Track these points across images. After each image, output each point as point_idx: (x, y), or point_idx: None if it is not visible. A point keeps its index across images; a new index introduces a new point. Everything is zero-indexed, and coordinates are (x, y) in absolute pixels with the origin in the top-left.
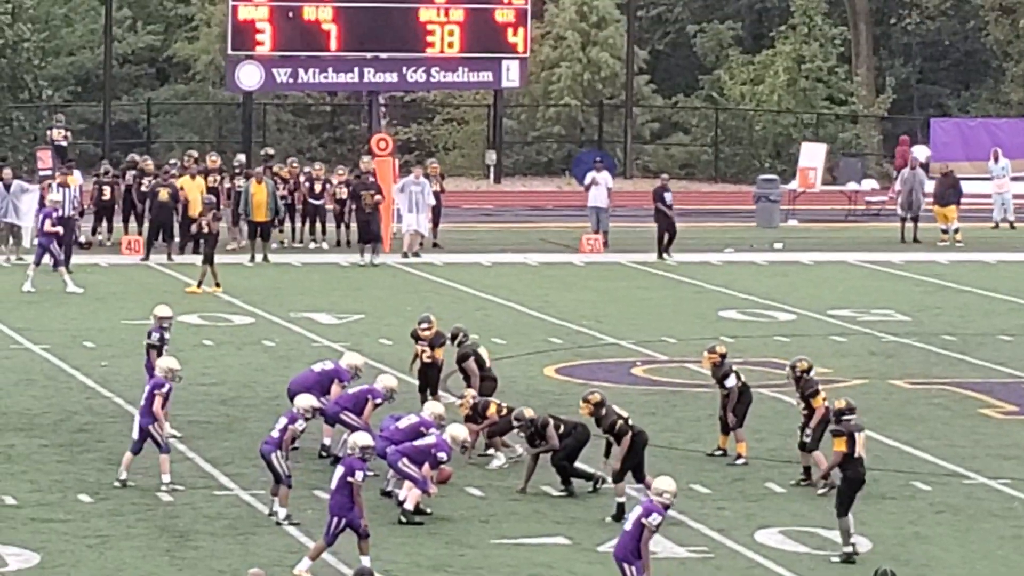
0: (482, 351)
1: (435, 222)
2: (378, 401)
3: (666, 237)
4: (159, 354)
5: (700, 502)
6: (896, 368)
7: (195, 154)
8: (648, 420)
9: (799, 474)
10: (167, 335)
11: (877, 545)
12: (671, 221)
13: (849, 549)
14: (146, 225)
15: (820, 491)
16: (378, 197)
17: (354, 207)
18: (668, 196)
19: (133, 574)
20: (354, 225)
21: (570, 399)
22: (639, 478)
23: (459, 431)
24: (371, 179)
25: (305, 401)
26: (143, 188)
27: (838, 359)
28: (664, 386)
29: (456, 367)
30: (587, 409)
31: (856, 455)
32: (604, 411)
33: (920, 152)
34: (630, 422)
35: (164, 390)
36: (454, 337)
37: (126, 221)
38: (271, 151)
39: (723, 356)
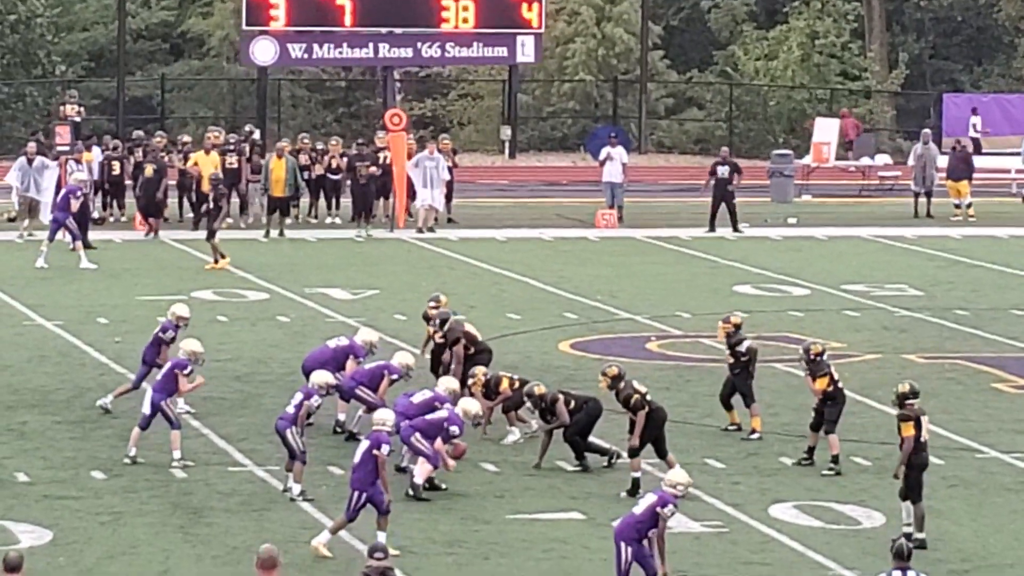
0: (470, 327)
1: (449, 197)
2: (394, 377)
3: (722, 209)
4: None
5: (714, 477)
6: (909, 342)
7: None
8: (662, 395)
9: (802, 452)
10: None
11: (891, 519)
12: (726, 194)
13: (922, 535)
14: (131, 201)
15: (825, 472)
16: (373, 168)
17: (350, 179)
18: (721, 170)
19: (146, 551)
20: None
21: (585, 374)
22: (661, 454)
23: (471, 405)
24: (368, 151)
25: (321, 377)
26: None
27: (852, 334)
28: (678, 361)
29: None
30: (605, 382)
31: (922, 439)
32: (622, 384)
33: (971, 123)
34: (648, 397)
35: (187, 371)
36: (442, 323)
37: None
38: (250, 128)
39: (737, 327)
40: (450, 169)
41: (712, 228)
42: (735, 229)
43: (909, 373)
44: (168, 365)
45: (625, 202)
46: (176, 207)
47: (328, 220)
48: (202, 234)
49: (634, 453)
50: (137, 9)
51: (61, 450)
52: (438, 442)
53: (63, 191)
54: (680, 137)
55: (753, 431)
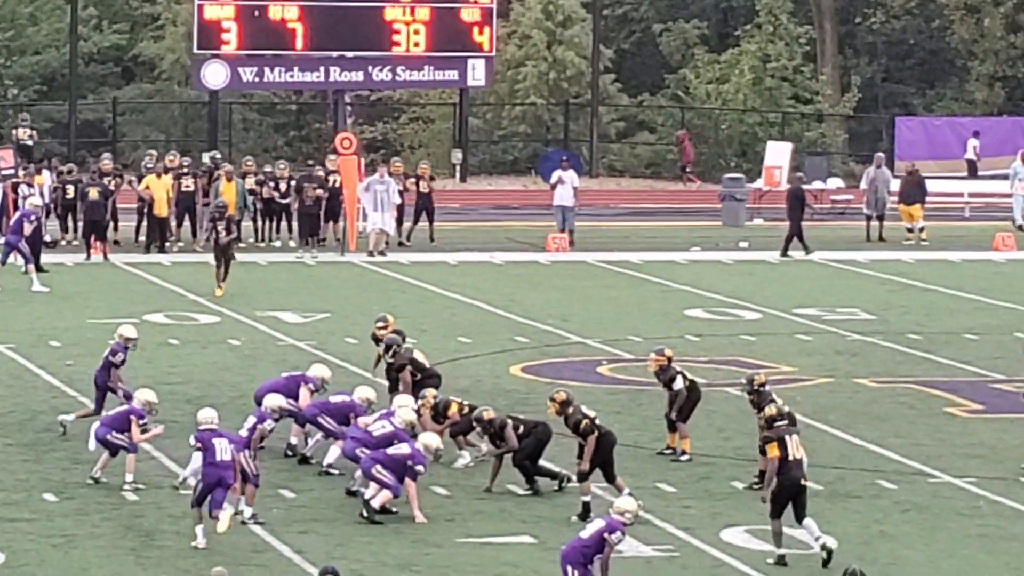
0: (418, 355)
1: (400, 220)
2: (359, 415)
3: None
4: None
5: (666, 501)
6: (861, 367)
7: (155, 153)
8: (614, 419)
9: (753, 476)
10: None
11: (843, 543)
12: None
13: (783, 552)
14: (80, 224)
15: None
16: (319, 191)
17: (297, 201)
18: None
19: (98, 574)
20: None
21: (536, 398)
22: (609, 479)
23: (431, 439)
24: (316, 174)
25: (273, 401)
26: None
27: (804, 357)
28: (630, 385)
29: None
30: (553, 408)
31: (791, 458)
32: (571, 409)
33: (971, 145)
34: (597, 421)
35: (142, 421)
36: (387, 348)
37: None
38: (218, 155)
39: (670, 360)
40: (401, 193)
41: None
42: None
43: (861, 397)
44: (124, 409)
45: (576, 226)
46: (132, 230)
47: (276, 243)
48: (154, 257)
49: (583, 477)
50: (89, 33)
51: (13, 472)
52: (409, 484)
53: (17, 215)
54: (632, 160)
55: (683, 452)
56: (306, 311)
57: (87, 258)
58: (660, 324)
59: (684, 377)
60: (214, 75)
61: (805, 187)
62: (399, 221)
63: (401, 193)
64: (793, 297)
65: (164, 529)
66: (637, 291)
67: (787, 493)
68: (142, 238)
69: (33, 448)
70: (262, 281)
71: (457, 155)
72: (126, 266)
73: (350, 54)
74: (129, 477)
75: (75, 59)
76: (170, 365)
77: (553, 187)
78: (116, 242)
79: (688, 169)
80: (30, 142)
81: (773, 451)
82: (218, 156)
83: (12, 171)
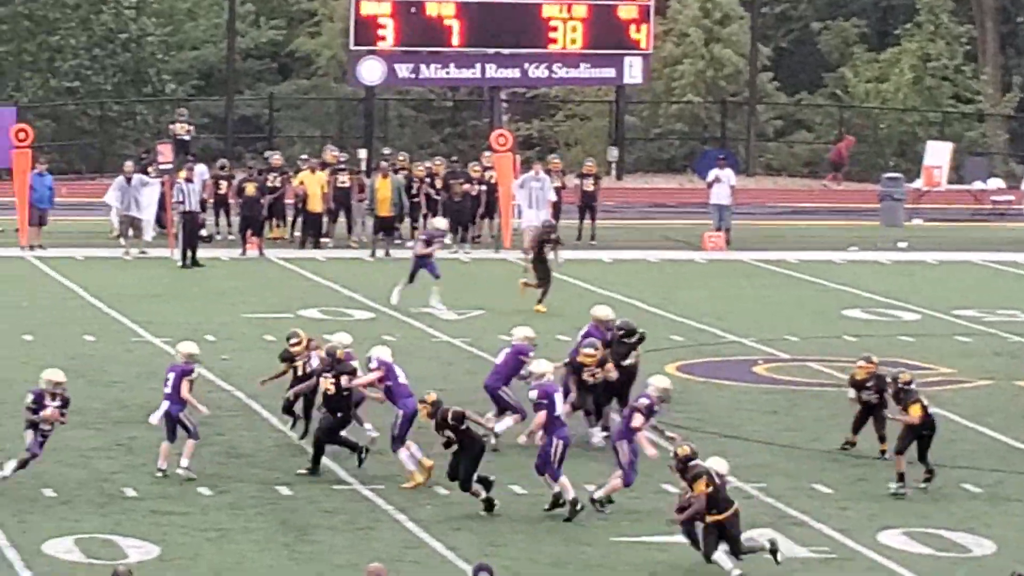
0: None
1: (556, 218)
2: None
3: None
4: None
5: (822, 502)
6: (1022, 369)
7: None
8: (770, 419)
9: (923, 475)
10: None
11: (1002, 547)
12: None
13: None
14: (236, 220)
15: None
16: (467, 186)
17: (447, 198)
18: None
19: (252, 568)
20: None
21: (691, 397)
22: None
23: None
24: (463, 170)
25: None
26: (267, 184)
27: (963, 359)
28: (786, 385)
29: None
30: (425, 410)
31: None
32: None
33: None
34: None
35: (192, 376)
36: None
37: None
38: (387, 150)
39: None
40: (557, 190)
41: None
42: None
43: (1021, 400)
44: (173, 375)
45: (733, 224)
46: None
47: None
48: (308, 253)
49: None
50: (246, 29)
51: (169, 466)
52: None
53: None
54: (789, 159)
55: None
56: (460, 308)
57: (242, 253)
58: (817, 324)
59: (923, 407)
60: (370, 71)
61: (965, 187)
62: (555, 218)
63: (558, 190)
64: (952, 298)
65: (318, 524)
66: (794, 290)
67: (720, 532)
68: (297, 234)
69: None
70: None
71: (613, 153)
72: (281, 261)
73: (506, 51)
74: (184, 462)
75: (232, 55)
76: None
77: (710, 185)
78: (281, 238)
79: (838, 169)
80: (187, 137)
81: (701, 487)
82: (333, 150)
83: (170, 166)
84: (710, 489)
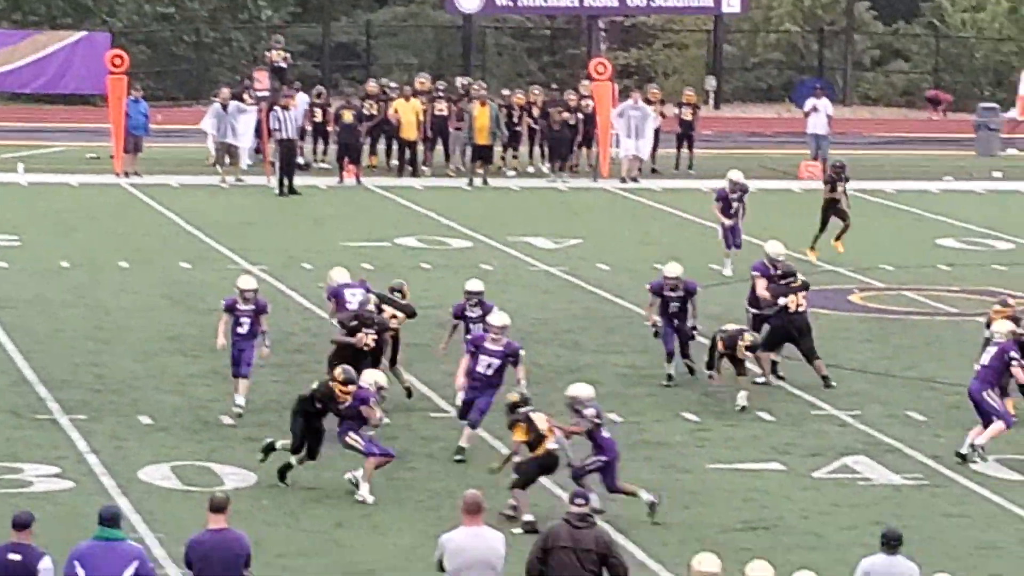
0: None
1: (655, 147)
2: None
3: None
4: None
5: (916, 429)
6: None
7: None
8: (865, 347)
9: None
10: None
11: None
12: None
13: (531, 518)
14: (333, 148)
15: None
16: (565, 115)
17: (545, 126)
18: None
19: (349, 495)
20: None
21: None
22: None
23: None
24: (563, 98)
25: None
26: (364, 111)
27: None
28: (881, 313)
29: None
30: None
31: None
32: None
33: None
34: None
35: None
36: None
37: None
38: (467, 80)
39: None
40: (659, 116)
41: None
42: None
43: None
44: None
45: (830, 154)
46: (383, 154)
47: (531, 170)
48: (406, 181)
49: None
50: None
51: (265, 393)
52: None
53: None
54: (886, 89)
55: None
56: (558, 237)
57: (340, 181)
58: (912, 253)
59: None
60: None
61: None
62: (654, 147)
63: (659, 118)
64: None
65: (415, 452)
66: (890, 220)
67: (541, 469)
68: (394, 162)
69: (285, 369)
70: (514, 206)
71: (711, 82)
72: (378, 189)
73: None
74: (240, 400)
75: None
76: (422, 289)
77: (807, 115)
78: (372, 165)
79: (937, 106)
80: (284, 64)
81: (519, 434)
82: (423, 77)
83: (267, 93)
84: (528, 437)
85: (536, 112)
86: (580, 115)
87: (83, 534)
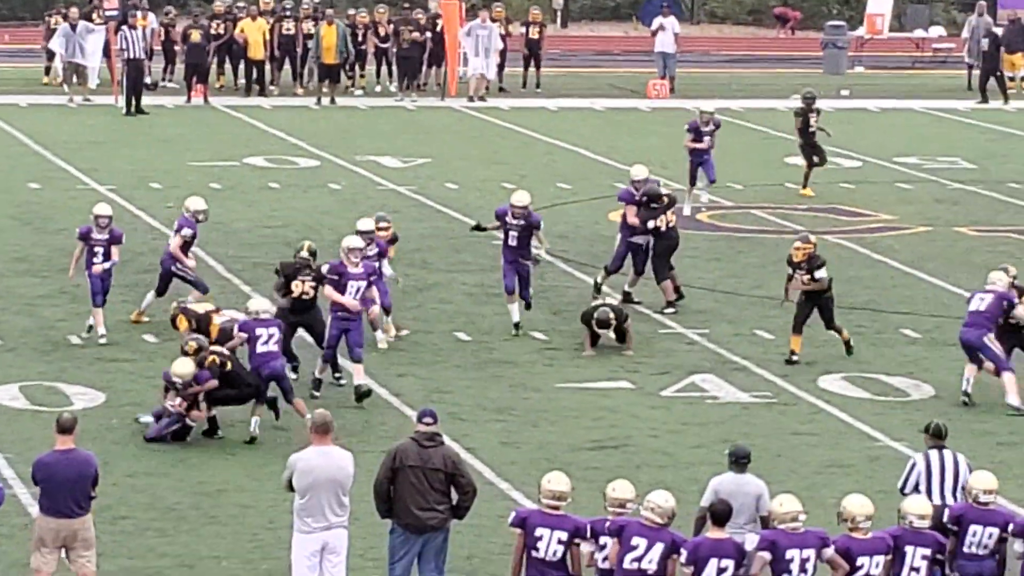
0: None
1: (501, 66)
2: None
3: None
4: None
5: (763, 348)
6: (961, 215)
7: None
8: (713, 265)
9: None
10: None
11: (940, 390)
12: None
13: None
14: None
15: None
16: (416, 34)
17: (395, 45)
18: None
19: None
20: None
21: None
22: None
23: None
24: (413, 17)
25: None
26: (212, 31)
27: (903, 206)
28: (729, 232)
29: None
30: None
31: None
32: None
33: None
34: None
35: (187, 233)
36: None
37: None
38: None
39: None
40: (503, 38)
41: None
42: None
43: (961, 246)
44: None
45: (677, 72)
46: (231, 74)
47: (378, 89)
48: (254, 100)
49: None
50: None
51: (115, 313)
52: None
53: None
54: (733, 8)
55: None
56: (406, 156)
57: (188, 101)
58: (760, 171)
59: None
60: None
61: (907, 35)
62: (500, 66)
63: (503, 38)
64: (893, 146)
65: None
66: (738, 138)
67: None
68: (241, 81)
69: (133, 289)
70: (362, 125)
71: (558, 0)
72: (226, 109)
73: None
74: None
75: None
76: (271, 209)
77: (654, 33)
78: (220, 86)
79: (785, 23)
80: None
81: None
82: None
83: (116, 13)
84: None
85: (382, 31)
86: (429, 34)
87: None
